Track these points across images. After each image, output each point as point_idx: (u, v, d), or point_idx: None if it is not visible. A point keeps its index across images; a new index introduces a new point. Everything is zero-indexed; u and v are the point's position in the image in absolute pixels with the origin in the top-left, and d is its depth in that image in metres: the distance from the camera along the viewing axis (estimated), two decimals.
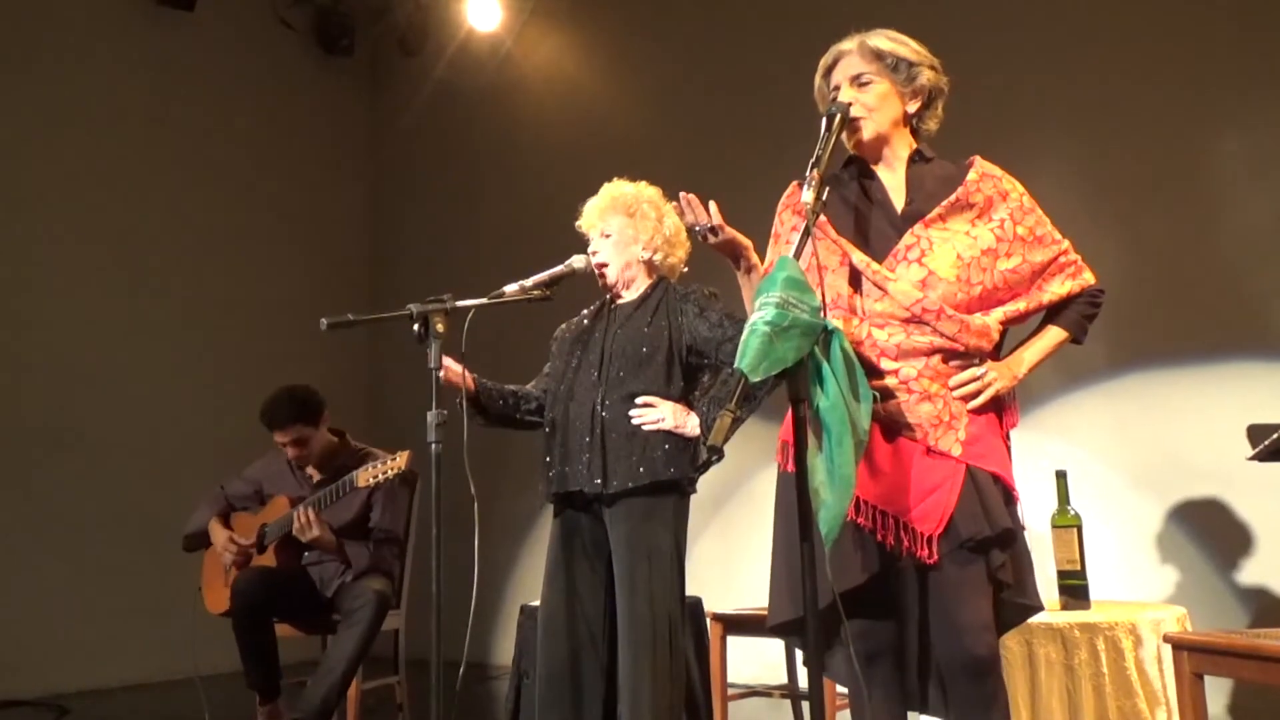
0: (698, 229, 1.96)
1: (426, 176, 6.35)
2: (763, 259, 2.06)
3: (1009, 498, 1.88)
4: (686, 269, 2.71)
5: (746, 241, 2.02)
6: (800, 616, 1.82)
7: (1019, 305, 1.93)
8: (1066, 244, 1.99)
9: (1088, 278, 1.99)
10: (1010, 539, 1.84)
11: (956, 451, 1.84)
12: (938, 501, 1.81)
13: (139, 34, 5.55)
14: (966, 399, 1.87)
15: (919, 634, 1.89)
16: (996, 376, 1.89)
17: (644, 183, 2.66)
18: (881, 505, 1.83)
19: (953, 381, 1.87)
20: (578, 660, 2.48)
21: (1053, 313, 2.00)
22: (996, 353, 1.97)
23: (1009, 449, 1.96)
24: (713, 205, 1.94)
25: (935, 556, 1.80)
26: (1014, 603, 1.90)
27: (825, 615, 1.71)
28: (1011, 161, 2.05)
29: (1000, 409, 1.94)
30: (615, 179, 2.69)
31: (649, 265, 2.65)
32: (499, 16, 5.72)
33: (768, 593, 1.96)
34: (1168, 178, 3.84)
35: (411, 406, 3.60)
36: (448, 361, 2.46)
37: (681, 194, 1.95)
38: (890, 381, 1.85)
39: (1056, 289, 1.96)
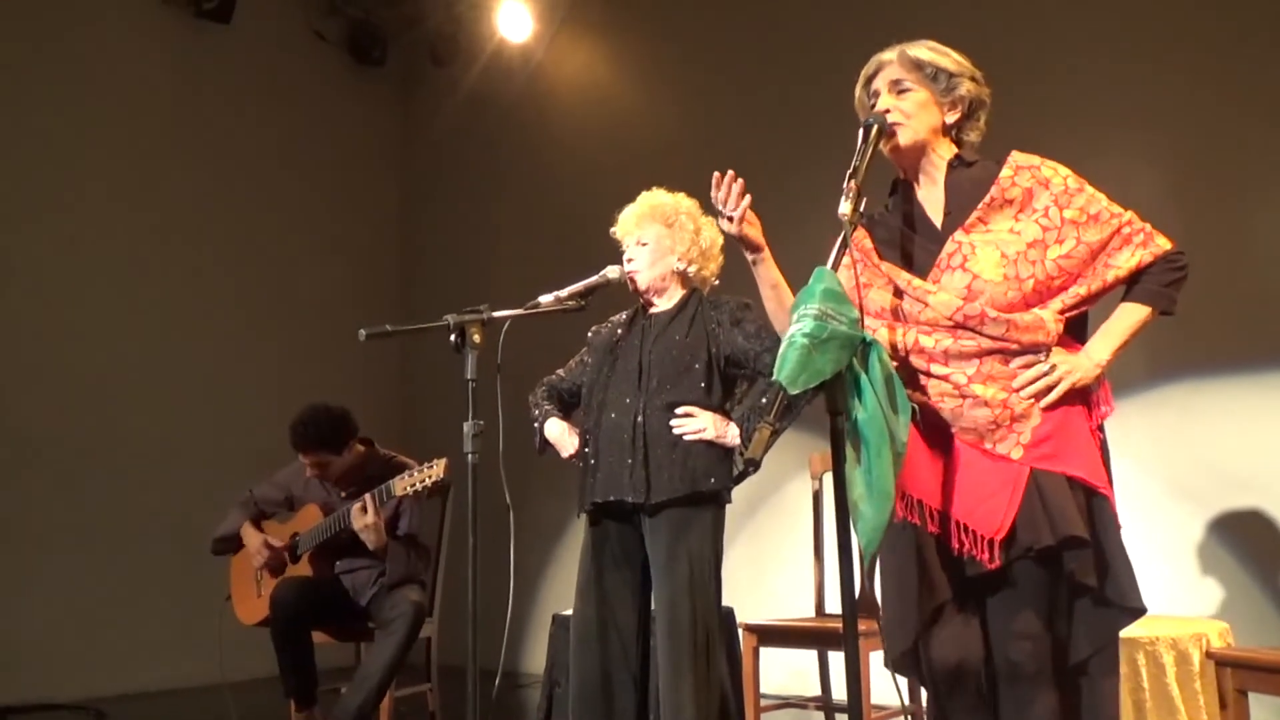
0: (720, 210, 1.94)
1: (458, 186, 6.39)
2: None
3: (1091, 494, 1.80)
4: (718, 281, 2.71)
5: (755, 238, 1.99)
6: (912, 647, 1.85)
7: (1079, 290, 1.85)
8: (1129, 215, 1.89)
9: (1161, 243, 1.86)
10: (1079, 545, 1.75)
11: (1016, 455, 1.80)
12: (996, 506, 1.78)
13: (177, 45, 5.63)
14: (1038, 397, 1.81)
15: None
16: (1069, 370, 1.81)
17: (682, 194, 2.66)
18: (944, 508, 1.80)
19: (1017, 383, 1.81)
20: (610, 671, 2.48)
21: (1130, 288, 1.89)
22: (1080, 339, 1.90)
23: (1101, 442, 1.87)
24: (734, 193, 1.92)
25: (997, 561, 1.77)
26: (1106, 606, 1.80)
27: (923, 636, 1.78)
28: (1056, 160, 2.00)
29: (1087, 401, 1.86)
30: (654, 188, 2.69)
31: (683, 276, 2.65)
32: (530, 27, 5.74)
33: (881, 627, 1.94)
34: (1205, 185, 3.77)
35: (442, 414, 3.62)
36: (573, 440, 2.61)
37: (716, 173, 1.92)
38: (944, 387, 1.82)
39: (1125, 262, 1.85)
